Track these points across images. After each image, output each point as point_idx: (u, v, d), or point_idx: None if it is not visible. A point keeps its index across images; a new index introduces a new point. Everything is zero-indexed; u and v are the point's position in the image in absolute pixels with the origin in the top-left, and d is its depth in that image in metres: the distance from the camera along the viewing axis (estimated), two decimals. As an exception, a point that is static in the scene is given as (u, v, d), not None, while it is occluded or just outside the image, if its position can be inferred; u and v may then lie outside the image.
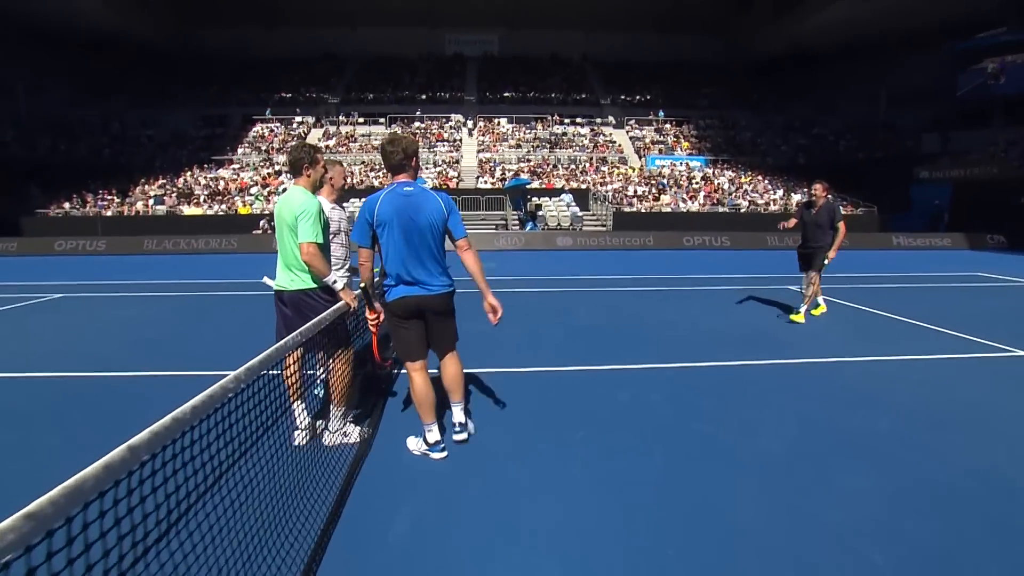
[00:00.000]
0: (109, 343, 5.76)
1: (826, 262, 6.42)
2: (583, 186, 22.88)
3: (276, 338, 3.07)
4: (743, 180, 24.49)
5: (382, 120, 29.29)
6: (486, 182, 23.15)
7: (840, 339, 5.76)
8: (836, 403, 3.85)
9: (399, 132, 3.49)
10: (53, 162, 24.10)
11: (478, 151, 26.90)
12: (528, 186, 21.68)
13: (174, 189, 22.41)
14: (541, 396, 4.09)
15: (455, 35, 35.05)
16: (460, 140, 28.05)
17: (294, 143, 3.42)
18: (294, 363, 3.08)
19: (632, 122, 30.15)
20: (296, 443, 3.11)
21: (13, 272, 12.61)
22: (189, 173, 24.11)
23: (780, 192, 23.15)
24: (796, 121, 30.68)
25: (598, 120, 30.03)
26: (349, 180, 23.40)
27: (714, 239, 18.23)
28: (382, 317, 3.19)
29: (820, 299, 6.97)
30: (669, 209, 21.00)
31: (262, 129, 28.72)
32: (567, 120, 29.78)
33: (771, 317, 6.88)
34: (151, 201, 21.05)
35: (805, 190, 22.66)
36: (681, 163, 25.92)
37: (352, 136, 27.93)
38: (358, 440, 3.25)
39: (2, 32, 25.24)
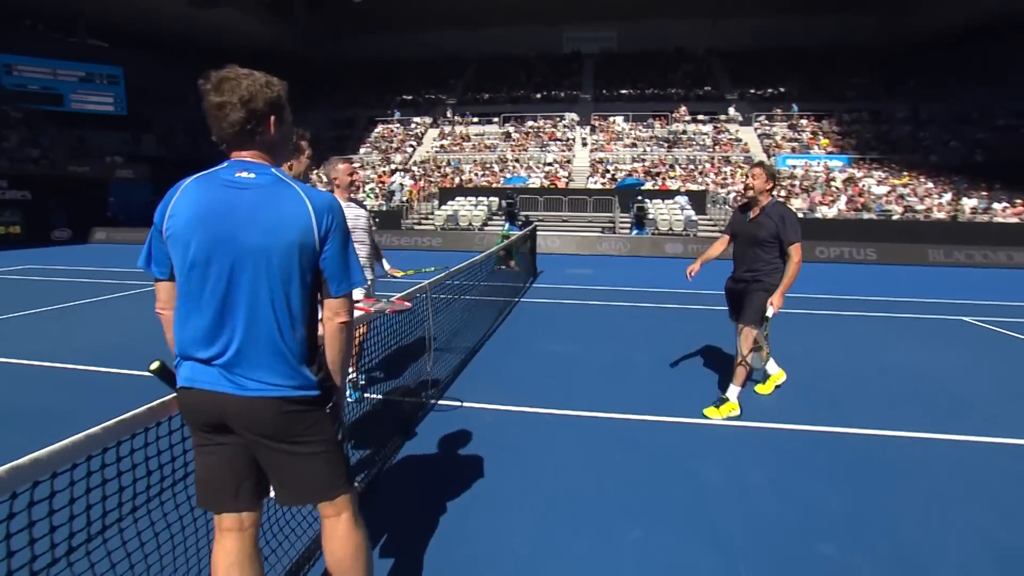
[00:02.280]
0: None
1: (768, 314, 3.90)
2: (701, 188, 21.17)
3: None
4: (897, 182, 21.13)
5: (496, 120, 29.55)
6: (596, 182, 22.30)
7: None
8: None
9: (238, 68, 1.51)
10: (210, 161, 27.32)
11: (591, 150, 26.09)
12: (641, 187, 20.51)
13: (304, 186, 24.32)
14: (590, 455, 3.38)
15: (574, 32, 34.39)
16: (573, 139, 27.43)
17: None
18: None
19: (761, 118, 27.46)
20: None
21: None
22: (316, 172, 26.05)
23: (947, 196, 19.60)
24: (973, 111, 25.78)
25: (722, 117, 27.75)
26: (459, 180, 23.86)
27: (855, 251, 15.83)
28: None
29: (773, 365, 4.47)
30: (800, 215, 18.65)
31: (383, 130, 30.30)
32: (688, 118, 27.87)
33: (941, 362, 5.47)
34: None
35: (983, 194, 19.00)
36: (818, 163, 23.05)
37: (466, 136, 28.47)
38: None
39: (182, 50, 29.17)
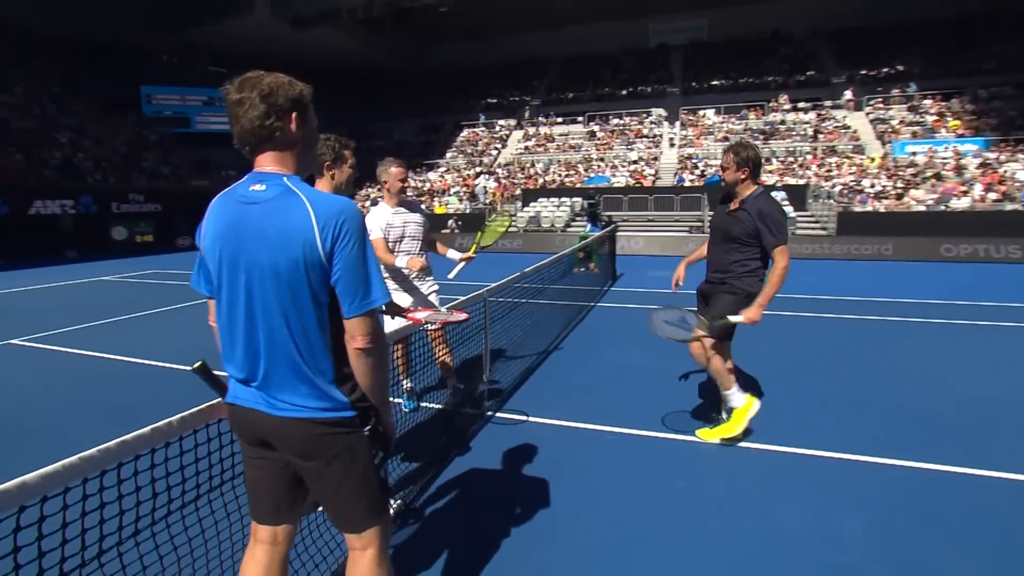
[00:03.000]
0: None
1: (737, 319, 3.28)
2: (801, 182, 19.49)
3: None
4: (1047, 167, 18.13)
5: (580, 119, 29.16)
6: (684, 180, 21.27)
7: None
8: None
9: (256, 72, 1.43)
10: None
11: (679, 146, 24.95)
12: (732, 183, 19.22)
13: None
14: (659, 480, 3.09)
15: (660, 24, 33.12)
16: (660, 136, 26.40)
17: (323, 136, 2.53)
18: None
19: (875, 101, 24.78)
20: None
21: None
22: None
23: (1116, 184, 16.53)
24: None
25: (827, 103, 25.39)
26: (543, 181, 23.78)
27: (993, 248, 13.75)
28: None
29: (737, 394, 3.47)
30: (923, 208, 16.56)
31: (469, 134, 30.94)
32: (787, 106, 25.80)
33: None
34: (367, 203, 24.20)
35: None
36: (945, 148, 20.36)
37: (550, 136, 28.35)
38: (391, 513, 2.69)
39: (285, 70, 31.55)
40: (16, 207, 16.53)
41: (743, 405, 3.44)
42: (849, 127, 23.36)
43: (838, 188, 18.37)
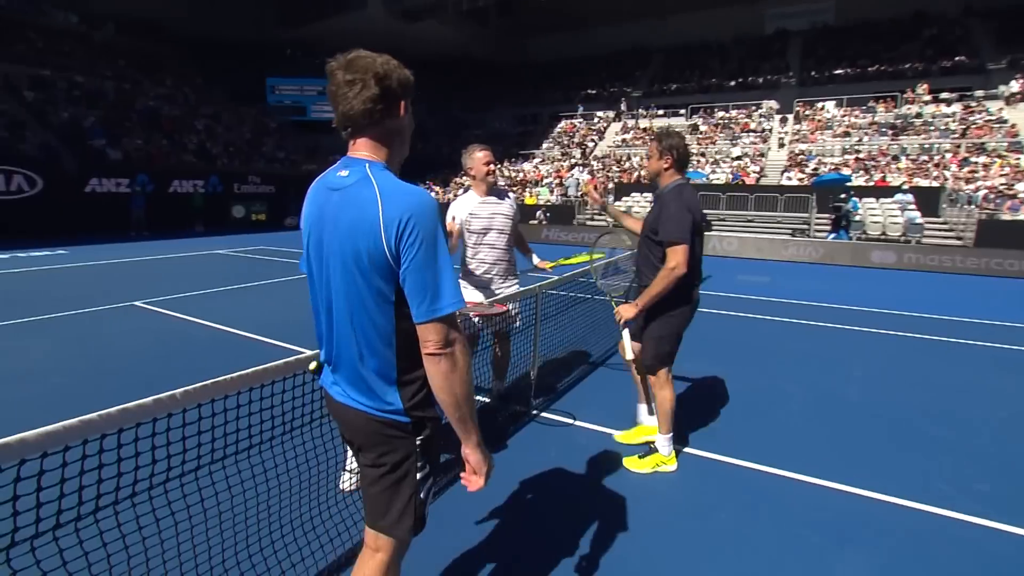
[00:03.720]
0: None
1: (617, 320, 3.02)
2: (935, 183, 17.18)
3: None
4: None
5: (682, 111, 27.81)
6: (791, 178, 19.57)
7: None
8: None
9: (364, 52, 1.38)
10: (410, 157, 30.71)
11: (791, 141, 22.99)
12: (847, 183, 17.42)
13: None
14: (707, 508, 2.80)
15: (779, 8, 30.61)
16: (770, 130, 24.48)
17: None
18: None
19: (1045, 92, 21.17)
20: (342, 487, 2.74)
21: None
22: (498, 167, 27.47)
23: None
24: None
25: (979, 93, 22.11)
26: (639, 175, 22.95)
27: None
28: None
29: (669, 441, 3.17)
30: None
31: (566, 125, 30.62)
32: (927, 97, 22.81)
33: None
34: (460, 191, 24.75)
35: None
36: None
37: (649, 129, 27.31)
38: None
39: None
40: (159, 186, 18.81)
41: (667, 457, 3.17)
42: (1006, 121, 20.17)
43: (982, 192, 15.97)
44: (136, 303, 7.29)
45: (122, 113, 21.49)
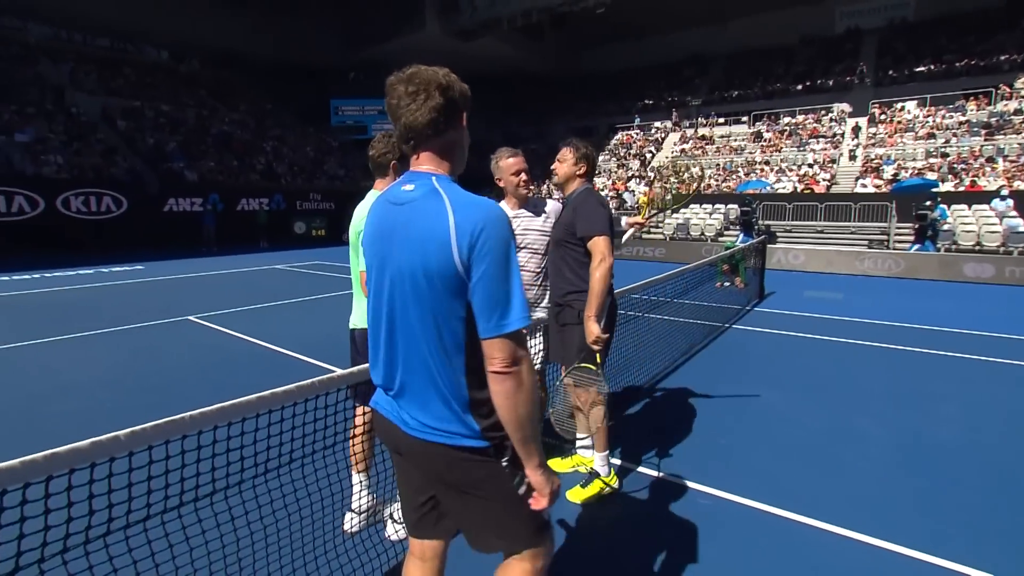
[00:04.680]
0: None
1: (601, 338, 2.61)
2: (1039, 188, 15.38)
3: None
4: None
5: (744, 119, 26.64)
6: (866, 185, 18.15)
7: None
8: None
9: (422, 67, 1.36)
10: (465, 172, 31.10)
11: (866, 146, 21.42)
12: (933, 189, 15.93)
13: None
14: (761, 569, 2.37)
15: (851, 6, 28.84)
16: (842, 134, 22.94)
17: (379, 134, 2.60)
18: (363, 425, 2.49)
19: None
20: (347, 528, 2.53)
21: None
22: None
23: None
24: None
25: (1089, 86, 19.77)
26: (697, 185, 22.05)
27: None
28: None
29: (606, 461, 2.96)
30: None
31: (623, 136, 30.07)
32: (1025, 93, 20.64)
33: None
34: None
35: None
36: None
37: (709, 138, 26.32)
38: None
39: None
40: (229, 204, 19.95)
41: (608, 477, 2.97)
42: (1121, 117, 17.88)
43: (1097, 197, 14.10)
44: (190, 317, 7.56)
45: (199, 137, 23.07)
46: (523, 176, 3.02)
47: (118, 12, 24.42)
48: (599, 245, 2.66)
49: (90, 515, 1.45)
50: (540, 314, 3.16)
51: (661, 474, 3.24)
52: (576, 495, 2.94)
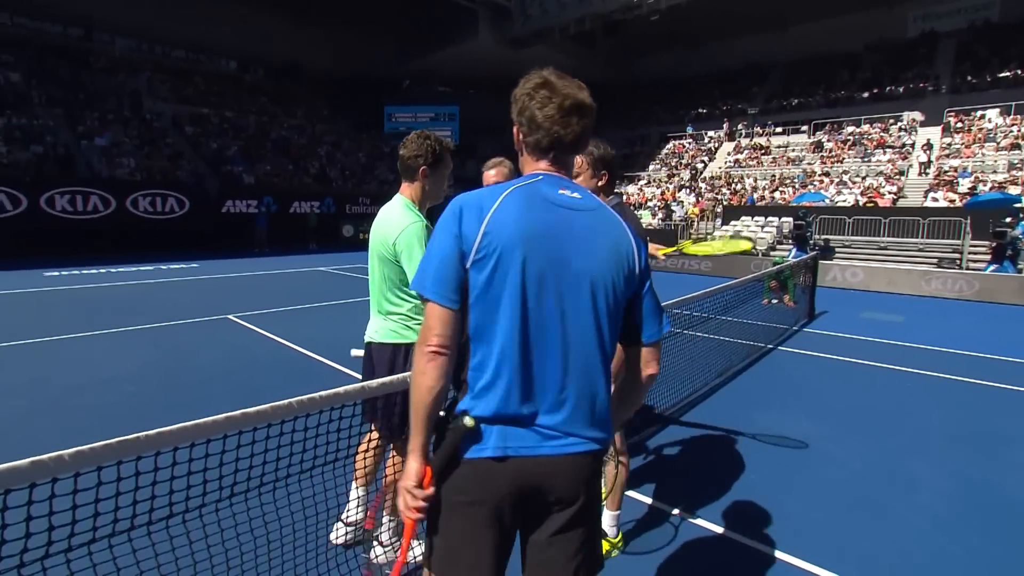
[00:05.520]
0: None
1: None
2: None
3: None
4: None
5: (804, 128, 25.43)
6: (937, 199, 16.87)
7: None
8: None
9: (551, 76, 1.28)
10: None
11: (939, 157, 19.96)
12: (1017, 205, 14.59)
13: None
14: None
15: (926, 8, 27.09)
16: (912, 144, 21.47)
17: (413, 133, 2.35)
18: (370, 443, 2.38)
19: None
20: (333, 539, 2.43)
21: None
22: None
23: None
24: None
25: None
26: (746, 197, 21.20)
27: None
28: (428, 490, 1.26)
29: (615, 520, 2.61)
30: None
31: (674, 145, 29.35)
32: None
33: None
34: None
35: None
36: None
37: (765, 148, 25.28)
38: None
39: (499, 87, 34.17)
40: (282, 207, 20.72)
41: (616, 539, 2.61)
42: None
43: None
44: (230, 316, 7.78)
45: (259, 143, 24.14)
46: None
47: (194, 25, 26.20)
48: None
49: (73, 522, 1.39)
50: None
51: (677, 511, 2.98)
52: None
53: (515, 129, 1.35)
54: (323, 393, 1.80)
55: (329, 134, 28.25)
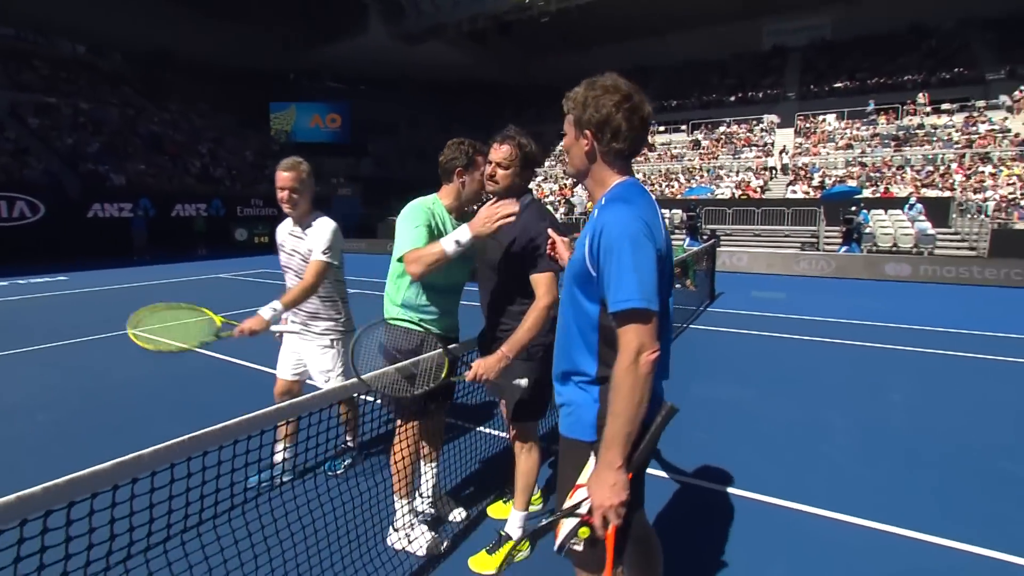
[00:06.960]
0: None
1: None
2: (944, 194, 16.99)
3: None
4: None
5: (683, 128, 27.84)
6: (795, 192, 19.42)
7: None
8: None
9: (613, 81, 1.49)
10: (413, 179, 30.67)
11: (792, 155, 22.92)
12: (857, 195, 17.24)
13: (488, 201, 25.78)
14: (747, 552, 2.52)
15: (776, 25, 30.81)
16: (771, 144, 24.43)
17: (449, 142, 2.41)
18: (406, 440, 2.39)
19: (1045, 101, 21.10)
20: (390, 542, 2.47)
21: (360, 267, 16.09)
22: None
23: None
24: None
25: (979, 103, 22.07)
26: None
27: None
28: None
29: (521, 520, 2.41)
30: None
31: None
32: (928, 108, 22.78)
33: None
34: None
35: None
36: None
37: (651, 146, 27.31)
38: (424, 553, 2.41)
39: (394, 84, 33.49)
40: (161, 210, 18.76)
41: (520, 541, 2.22)
42: (1009, 131, 20.07)
43: (992, 202, 15.75)
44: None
45: (126, 139, 21.58)
46: (291, 191, 2.97)
47: (24, 1, 22.33)
48: (546, 283, 2.16)
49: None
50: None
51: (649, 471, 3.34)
52: (480, 564, 2.36)
53: (588, 134, 1.44)
54: (325, 391, 1.87)
55: (210, 130, 25.96)
